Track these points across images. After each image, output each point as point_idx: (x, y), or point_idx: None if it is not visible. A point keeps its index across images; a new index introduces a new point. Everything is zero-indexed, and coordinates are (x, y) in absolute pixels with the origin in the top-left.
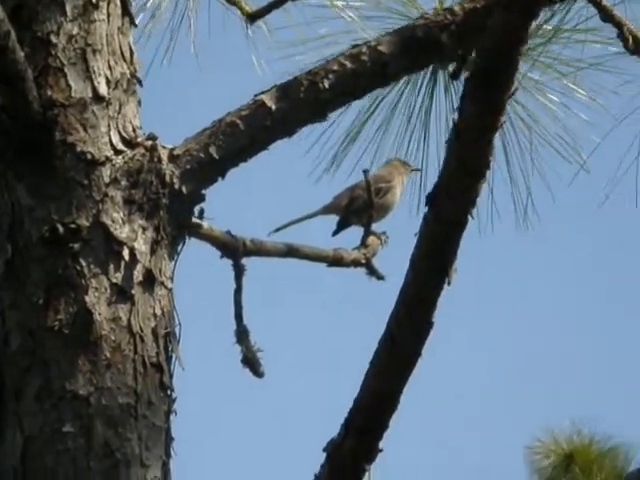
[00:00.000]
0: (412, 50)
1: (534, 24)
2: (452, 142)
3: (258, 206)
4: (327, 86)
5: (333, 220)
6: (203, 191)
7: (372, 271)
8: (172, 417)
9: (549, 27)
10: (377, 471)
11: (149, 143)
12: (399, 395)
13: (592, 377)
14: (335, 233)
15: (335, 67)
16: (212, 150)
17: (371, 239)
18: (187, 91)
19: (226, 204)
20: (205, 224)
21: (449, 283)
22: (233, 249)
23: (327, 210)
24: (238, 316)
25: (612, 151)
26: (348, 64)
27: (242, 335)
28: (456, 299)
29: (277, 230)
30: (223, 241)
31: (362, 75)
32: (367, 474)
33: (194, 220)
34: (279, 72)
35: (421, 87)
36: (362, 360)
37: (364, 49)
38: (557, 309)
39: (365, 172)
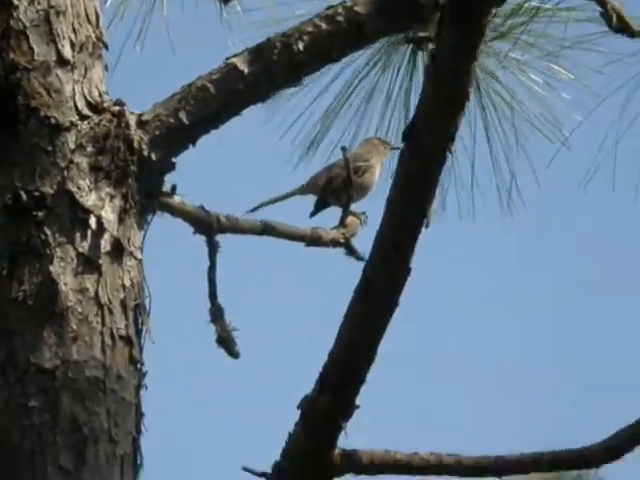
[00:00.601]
0: (389, 10)
1: (516, 2)
2: (430, 72)
3: (234, 182)
4: (302, 48)
5: (312, 200)
6: (173, 159)
7: (351, 251)
8: (142, 392)
9: (531, 5)
10: (353, 428)
11: (116, 108)
12: (376, 347)
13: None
14: (313, 214)
15: (310, 28)
16: (182, 115)
17: (350, 219)
18: (160, 73)
19: (200, 179)
20: (177, 198)
21: (427, 225)
22: (206, 225)
23: (305, 190)
24: (212, 294)
25: (595, 130)
26: (323, 25)
27: (216, 314)
28: (442, 287)
29: (253, 210)
30: (196, 216)
31: (338, 36)
32: (343, 431)
33: (165, 193)
34: None
35: (400, 69)
36: None
37: (339, 9)
38: (542, 297)
39: (344, 150)
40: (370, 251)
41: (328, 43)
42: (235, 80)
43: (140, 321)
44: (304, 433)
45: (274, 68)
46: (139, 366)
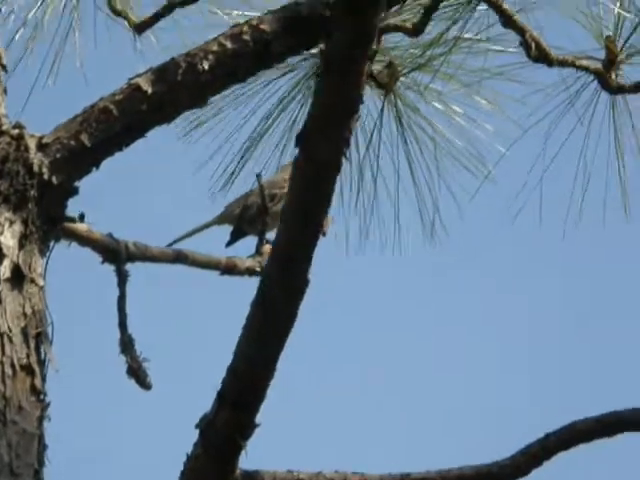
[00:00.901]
0: (296, 28)
1: (436, 33)
2: (321, 75)
3: (149, 212)
4: (207, 67)
5: (229, 230)
6: (77, 183)
7: None
8: (45, 423)
9: (449, 37)
10: (254, 448)
11: (15, 131)
12: (275, 362)
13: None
14: (229, 244)
15: (215, 47)
16: (84, 137)
17: (267, 247)
18: (73, 104)
19: (111, 208)
20: (84, 226)
21: (324, 234)
22: (115, 253)
23: (221, 220)
24: (122, 325)
25: (519, 161)
26: (228, 44)
27: (127, 345)
28: (365, 314)
29: (170, 245)
30: (104, 244)
31: (244, 55)
32: (243, 451)
33: (69, 218)
34: None
35: None
36: None
37: (245, 28)
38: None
39: (258, 176)
40: (266, 262)
41: (234, 62)
42: (138, 101)
43: (42, 350)
44: (203, 453)
45: (179, 88)
46: (42, 396)
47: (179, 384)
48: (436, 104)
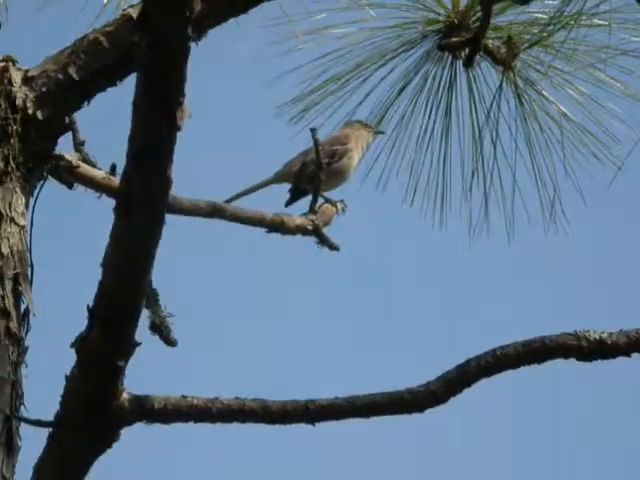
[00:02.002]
0: None
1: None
2: None
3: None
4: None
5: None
6: (67, 119)
7: (323, 240)
8: (23, 369)
9: (569, 12)
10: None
11: (1, 65)
12: (143, 276)
13: None
14: (289, 203)
15: None
16: (71, 70)
17: (325, 206)
18: None
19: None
20: (100, 172)
21: (179, 128)
22: None
23: (279, 178)
24: None
25: None
26: None
27: (150, 299)
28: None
29: (228, 202)
30: None
31: None
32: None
33: (58, 158)
34: None
35: (440, 81)
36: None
37: None
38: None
39: (313, 131)
40: (125, 162)
41: None
42: (131, 32)
43: (21, 292)
44: (79, 375)
45: None
46: (18, 341)
47: (206, 341)
48: (558, 82)
